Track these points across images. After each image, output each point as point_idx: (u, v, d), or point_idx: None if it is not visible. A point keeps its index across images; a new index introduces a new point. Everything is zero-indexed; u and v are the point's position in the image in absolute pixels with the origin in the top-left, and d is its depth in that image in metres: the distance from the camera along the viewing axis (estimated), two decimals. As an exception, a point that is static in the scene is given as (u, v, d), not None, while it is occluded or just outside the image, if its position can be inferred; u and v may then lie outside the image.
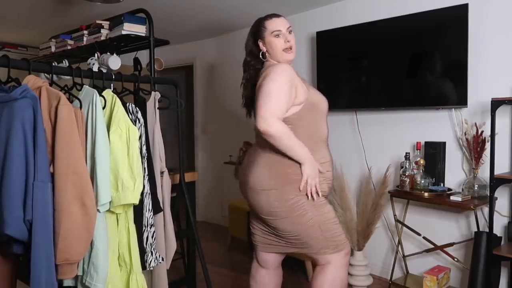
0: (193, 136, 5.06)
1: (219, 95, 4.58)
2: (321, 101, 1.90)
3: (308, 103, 1.80)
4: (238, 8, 3.45)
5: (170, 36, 2.88)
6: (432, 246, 2.72)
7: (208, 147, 4.84)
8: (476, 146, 2.51)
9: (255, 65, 1.91)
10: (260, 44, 1.88)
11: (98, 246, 1.56)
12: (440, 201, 2.55)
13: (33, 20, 3.70)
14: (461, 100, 2.61)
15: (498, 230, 2.52)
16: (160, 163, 2.06)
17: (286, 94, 1.73)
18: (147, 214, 1.83)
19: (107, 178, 1.58)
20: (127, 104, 1.81)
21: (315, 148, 1.81)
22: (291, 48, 1.84)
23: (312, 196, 1.77)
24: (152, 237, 1.86)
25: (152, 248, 1.85)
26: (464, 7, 2.55)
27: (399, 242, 2.88)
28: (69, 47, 2.76)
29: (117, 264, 1.69)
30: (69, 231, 1.44)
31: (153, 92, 2.09)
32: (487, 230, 2.36)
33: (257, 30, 1.88)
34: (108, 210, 1.62)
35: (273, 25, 1.83)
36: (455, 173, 2.76)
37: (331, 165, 1.89)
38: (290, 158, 1.76)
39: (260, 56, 1.89)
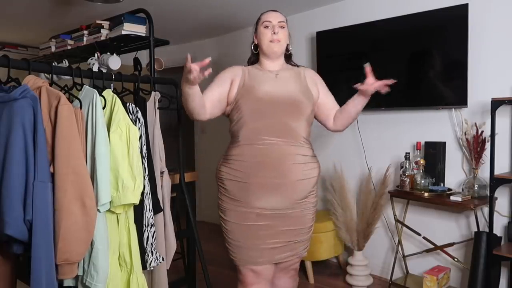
0: (193, 136, 5.06)
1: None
2: None
3: None
4: (238, 8, 3.45)
5: (170, 36, 2.88)
6: (432, 246, 2.72)
7: (208, 147, 4.83)
8: (476, 146, 2.51)
9: (252, 61, 1.94)
10: (254, 36, 1.90)
11: (98, 246, 1.56)
12: (440, 201, 2.55)
13: (33, 20, 3.70)
14: (461, 100, 2.61)
15: (498, 230, 2.52)
16: (160, 163, 2.06)
17: None
18: (148, 214, 1.83)
19: (107, 178, 1.58)
20: (127, 104, 1.81)
21: None
22: (279, 41, 1.81)
23: None
24: (152, 237, 1.86)
25: (153, 248, 1.85)
26: (464, 7, 2.55)
27: (399, 242, 2.88)
28: (69, 47, 2.75)
29: (118, 264, 1.69)
30: (69, 231, 1.44)
31: (153, 92, 2.09)
32: (487, 230, 2.36)
33: (255, 24, 1.91)
34: (109, 210, 1.62)
35: (265, 16, 1.85)
36: (455, 173, 2.76)
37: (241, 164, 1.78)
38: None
39: (252, 48, 1.90)
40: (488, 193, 2.36)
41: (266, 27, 1.81)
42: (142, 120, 1.84)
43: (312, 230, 1.89)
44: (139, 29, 2.36)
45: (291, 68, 1.90)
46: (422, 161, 2.69)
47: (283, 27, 1.83)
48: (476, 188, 2.52)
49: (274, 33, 1.79)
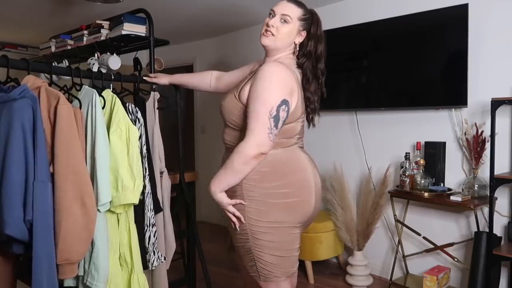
0: (193, 136, 5.06)
1: (218, 95, 4.57)
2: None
3: None
4: (238, 8, 3.45)
5: (170, 36, 2.88)
6: (432, 246, 2.72)
7: (208, 147, 4.83)
8: (476, 146, 2.51)
9: None
10: None
11: (98, 246, 1.56)
12: (440, 201, 2.55)
13: (33, 20, 3.70)
14: (461, 100, 2.61)
15: (498, 230, 2.52)
16: (160, 163, 2.06)
17: None
18: (149, 213, 1.83)
19: (107, 178, 1.58)
20: (127, 104, 1.81)
21: None
22: (271, 34, 1.60)
23: None
24: (154, 236, 1.86)
25: (154, 248, 1.85)
26: (464, 7, 2.55)
27: (399, 242, 2.88)
28: (69, 47, 2.75)
29: (118, 264, 1.69)
30: (69, 231, 1.44)
31: (152, 92, 2.09)
32: (487, 230, 2.36)
33: None
34: (109, 210, 1.62)
35: (275, 4, 1.66)
36: (455, 173, 2.76)
37: None
38: None
39: None
40: (488, 193, 2.36)
41: (269, 15, 1.64)
42: (141, 120, 1.84)
43: None
44: (139, 29, 2.35)
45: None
46: (422, 161, 2.69)
47: (287, 22, 1.61)
48: (476, 188, 2.52)
49: (267, 24, 1.61)
